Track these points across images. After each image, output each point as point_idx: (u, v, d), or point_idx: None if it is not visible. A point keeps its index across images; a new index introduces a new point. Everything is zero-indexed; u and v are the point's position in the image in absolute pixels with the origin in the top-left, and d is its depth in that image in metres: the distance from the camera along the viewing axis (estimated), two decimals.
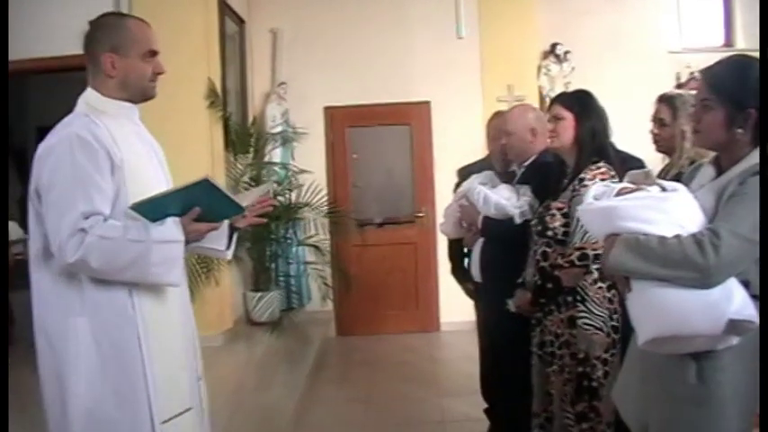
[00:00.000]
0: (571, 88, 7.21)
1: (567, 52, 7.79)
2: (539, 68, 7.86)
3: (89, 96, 2.54)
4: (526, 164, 4.04)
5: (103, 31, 2.51)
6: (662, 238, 2.11)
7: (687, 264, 2.05)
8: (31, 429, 4.15)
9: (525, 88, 7.60)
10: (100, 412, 2.37)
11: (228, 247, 2.76)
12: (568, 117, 3.41)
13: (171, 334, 2.54)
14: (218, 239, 2.69)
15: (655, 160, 3.86)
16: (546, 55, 7.89)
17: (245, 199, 2.62)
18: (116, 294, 2.39)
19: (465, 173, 4.58)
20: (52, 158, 2.36)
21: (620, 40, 7.82)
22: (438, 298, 7.95)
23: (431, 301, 8.01)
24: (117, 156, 2.40)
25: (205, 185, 2.32)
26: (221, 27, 6.82)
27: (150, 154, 2.62)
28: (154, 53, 2.54)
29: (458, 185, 4.55)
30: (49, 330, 2.42)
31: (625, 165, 3.19)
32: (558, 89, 7.48)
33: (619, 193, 2.27)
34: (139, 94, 2.55)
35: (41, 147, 2.42)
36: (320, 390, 6.02)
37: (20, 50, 6.44)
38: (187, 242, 2.40)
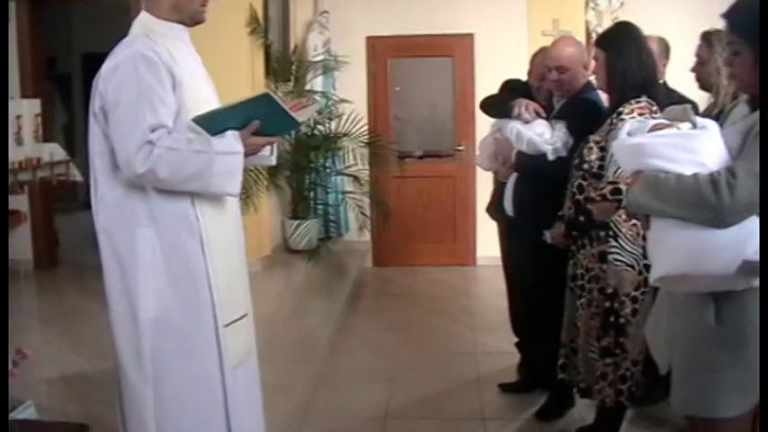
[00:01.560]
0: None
1: None
2: (586, 3, 7.66)
3: (143, 19, 2.61)
4: (565, 99, 3.99)
5: None
6: (679, 177, 2.07)
7: (701, 203, 2.02)
8: (78, 345, 4.30)
9: (572, 23, 7.43)
10: (168, 319, 2.52)
11: (272, 152, 2.86)
12: (601, 56, 3.37)
13: (229, 244, 2.68)
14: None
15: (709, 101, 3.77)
16: None
17: (300, 116, 2.67)
18: (180, 205, 2.51)
19: (509, 87, 4.59)
20: (117, 76, 2.44)
21: None
22: (475, 232, 7.96)
23: (468, 235, 8.03)
24: (177, 73, 2.50)
25: (265, 100, 2.44)
26: None
27: (203, 76, 2.72)
28: None
29: (498, 95, 4.52)
30: (116, 242, 2.54)
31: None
32: (606, 24, 7.30)
33: (652, 130, 2.23)
34: (190, 16, 2.62)
35: (104, 67, 2.49)
36: (355, 319, 6.11)
37: None
38: (246, 155, 2.49)
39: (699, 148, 2.10)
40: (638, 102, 3.26)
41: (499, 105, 4.27)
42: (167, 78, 2.46)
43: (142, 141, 2.36)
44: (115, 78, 2.44)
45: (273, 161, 2.90)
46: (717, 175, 2.02)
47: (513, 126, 3.97)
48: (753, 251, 2.01)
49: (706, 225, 2.04)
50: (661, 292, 2.45)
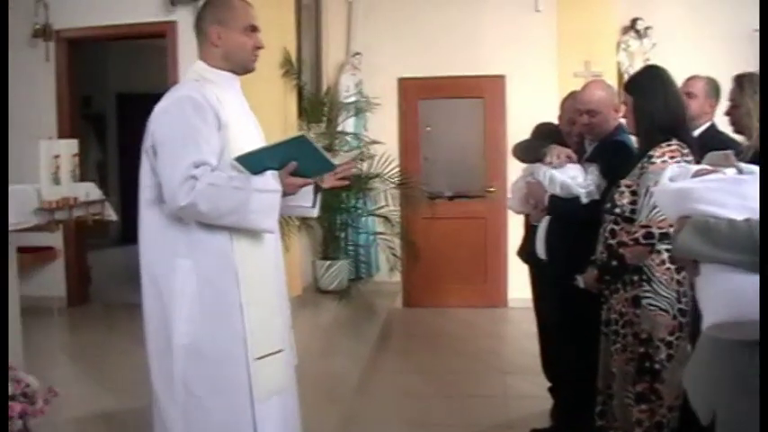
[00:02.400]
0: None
1: (647, 28, 7.56)
2: (618, 44, 7.67)
3: (198, 66, 2.80)
4: (597, 143, 3.98)
5: (212, 6, 2.79)
6: (731, 222, 2.03)
7: (755, 248, 1.98)
8: (106, 382, 4.32)
9: (603, 64, 7.44)
10: (200, 347, 2.63)
11: (314, 204, 2.98)
12: (629, 100, 3.38)
13: (265, 280, 2.78)
14: (304, 197, 2.90)
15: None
16: (626, 30, 7.68)
17: (335, 161, 2.80)
18: (218, 238, 2.63)
19: (541, 131, 4.60)
20: (166, 117, 2.63)
21: (703, 16, 7.55)
22: (506, 273, 7.90)
23: (499, 276, 7.97)
24: (223, 116, 2.65)
25: (301, 141, 2.58)
26: None
27: (249, 120, 2.88)
28: (254, 29, 2.79)
29: (530, 140, 4.53)
30: (155, 271, 2.68)
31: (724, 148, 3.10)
32: (638, 66, 7.29)
33: (695, 175, 2.20)
34: (240, 65, 2.80)
35: (157, 108, 2.67)
36: (384, 360, 6.07)
37: (99, 17, 6.59)
38: (283, 194, 2.61)
39: (749, 193, 2.07)
40: (668, 145, 3.24)
41: (531, 150, 4.27)
42: (213, 120, 2.61)
43: (186, 176, 2.49)
44: (164, 119, 2.62)
45: (315, 213, 3.03)
46: None
47: (546, 170, 3.96)
48: None
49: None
50: (702, 338, 2.40)
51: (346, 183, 3.03)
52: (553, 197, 3.94)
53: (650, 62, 7.21)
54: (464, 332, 7.06)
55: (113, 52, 10.42)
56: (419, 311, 7.90)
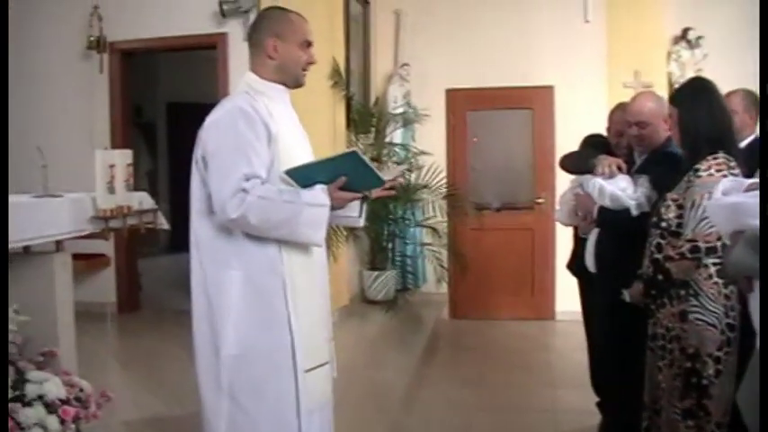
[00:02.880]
0: (703, 76, 6.99)
1: (699, 38, 7.46)
2: (668, 54, 7.57)
3: (249, 78, 2.82)
4: (646, 154, 3.93)
5: (270, 19, 2.83)
6: None
7: None
8: (157, 389, 4.37)
9: (653, 74, 7.35)
10: (248, 358, 2.65)
11: (361, 214, 2.98)
12: (674, 113, 3.34)
13: (312, 293, 2.81)
14: (352, 208, 2.90)
15: None
16: (677, 40, 7.58)
17: (385, 174, 2.81)
18: (268, 250, 2.66)
19: (590, 142, 4.56)
20: (217, 129, 2.65)
21: (756, 26, 7.42)
22: (554, 286, 7.84)
23: (546, 288, 7.91)
24: (273, 128, 2.66)
25: (353, 157, 2.59)
26: (346, 8, 6.90)
27: (299, 132, 2.90)
28: (309, 44, 2.82)
29: (577, 151, 4.50)
30: (206, 281, 2.71)
31: None
32: (689, 76, 7.20)
33: (748, 189, 2.16)
34: (293, 78, 2.82)
35: (208, 120, 2.70)
36: (431, 372, 6.04)
37: (151, 29, 6.71)
38: (333, 208, 2.64)
39: None
40: (715, 158, 3.19)
41: (579, 162, 4.23)
42: (263, 132, 2.63)
43: (237, 189, 2.52)
44: (216, 130, 2.65)
45: (361, 223, 3.03)
46: None
47: (596, 181, 3.90)
48: None
49: None
50: (755, 355, 2.36)
51: (393, 193, 3.04)
52: (602, 209, 3.89)
53: (701, 72, 7.15)
54: (512, 344, 7.01)
55: (164, 62, 10.57)
56: (466, 323, 7.86)
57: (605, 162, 3.94)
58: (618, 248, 3.83)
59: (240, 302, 2.64)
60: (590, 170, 3.98)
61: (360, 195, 2.74)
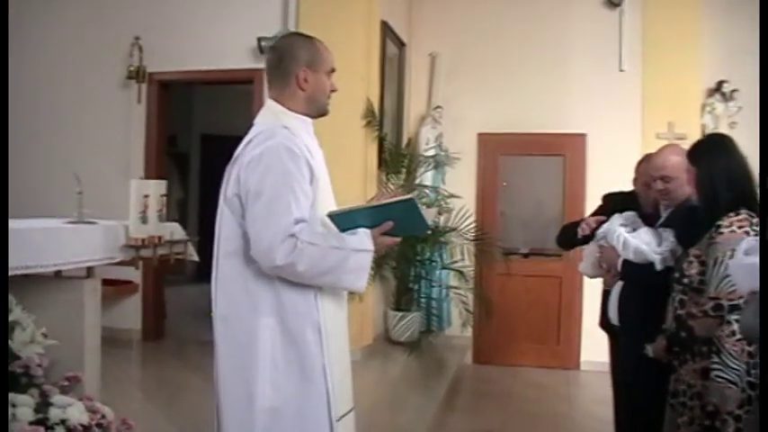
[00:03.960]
0: (737, 129, 6.98)
1: (734, 91, 7.43)
2: (703, 106, 7.55)
3: (275, 108, 2.70)
4: (671, 207, 3.91)
5: (298, 48, 2.70)
6: None
7: None
8: (178, 419, 4.37)
9: (687, 126, 7.31)
10: (285, 411, 2.54)
11: None
12: (691, 169, 3.33)
13: (344, 338, 2.73)
14: None
15: None
16: (711, 93, 7.55)
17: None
18: (305, 297, 2.56)
19: (610, 200, 4.58)
20: (261, 166, 2.49)
21: None
22: (580, 335, 7.76)
23: (572, 337, 7.83)
24: (315, 167, 2.57)
25: (410, 205, 2.51)
26: (382, 49, 6.97)
27: (325, 167, 2.77)
28: (333, 71, 2.76)
29: (599, 209, 4.49)
30: (236, 329, 2.59)
31: None
32: (723, 129, 7.18)
33: None
34: (320, 108, 2.74)
35: (248, 155, 2.54)
36: (451, 417, 5.99)
37: (190, 61, 6.84)
38: (375, 253, 2.55)
39: None
40: (737, 214, 3.16)
41: (566, 234, 4.42)
42: (307, 171, 2.52)
43: (286, 234, 2.41)
44: (260, 167, 2.49)
45: None
46: None
47: (620, 234, 3.88)
48: None
49: None
50: None
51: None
52: (626, 262, 3.86)
53: (736, 125, 7.13)
54: (534, 393, 6.93)
55: (200, 94, 10.75)
56: (489, 369, 7.79)
57: (583, 224, 4.08)
58: (641, 302, 3.78)
59: (276, 352, 2.53)
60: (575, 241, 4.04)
61: (399, 240, 2.67)
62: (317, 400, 2.56)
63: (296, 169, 2.49)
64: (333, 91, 2.75)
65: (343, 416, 2.65)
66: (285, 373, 2.53)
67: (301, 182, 2.49)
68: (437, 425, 5.55)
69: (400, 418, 5.19)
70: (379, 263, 6.83)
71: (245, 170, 2.52)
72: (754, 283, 2.14)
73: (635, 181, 4.49)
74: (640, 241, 3.79)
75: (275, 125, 2.62)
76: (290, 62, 2.66)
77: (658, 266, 3.69)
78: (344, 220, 2.54)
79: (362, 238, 2.52)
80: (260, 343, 2.53)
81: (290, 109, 2.67)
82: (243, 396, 2.55)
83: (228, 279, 2.61)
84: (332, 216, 2.54)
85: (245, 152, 2.57)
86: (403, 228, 2.58)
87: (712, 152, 3.32)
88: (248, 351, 2.54)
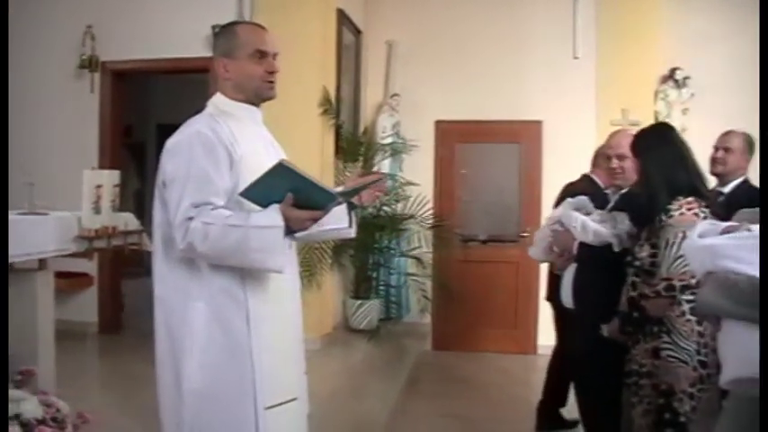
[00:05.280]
0: (689, 115, 7.09)
1: (686, 78, 7.55)
2: (656, 93, 7.66)
3: (216, 99, 2.71)
4: (623, 190, 4.02)
5: (218, 38, 2.74)
6: (751, 278, 2.05)
7: None
8: (137, 412, 4.32)
9: (640, 113, 7.40)
10: (210, 393, 2.52)
11: (351, 225, 2.88)
12: (634, 158, 3.45)
13: (280, 326, 2.66)
14: (340, 219, 2.82)
15: None
16: (664, 80, 7.66)
17: (350, 182, 2.68)
18: (229, 281, 2.53)
19: (570, 190, 4.62)
20: (174, 154, 2.54)
21: (743, 67, 7.51)
22: (537, 320, 7.83)
23: (529, 322, 7.91)
24: (236, 152, 2.53)
25: (283, 169, 2.34)
26: (339, 37, 6.95)
27: (270, 153, 2.70)
28: (263, 53, 2.64)
29: (559, 201, 4.53)
30: (168, 312, 2.60)
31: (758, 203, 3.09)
32: (676, 115, 7.30)
33: (723, 232, 2.21)
34: (254, 94, 2.67)
35: (168, 143, 2.59)
36: (413, 403, 6.02)
37: (144, 51, 6.74)
38: (293, 230, 2.45)
39: None
40: (687, 200, 3.24)
41: None
42: (224, 157, 2.51)
43: (183, 218, 2.42)
44: (172, 156, 2.54)
45: (353, 233, 2.93)
46: None
47: (578, 217, 3.94)
48: None
49: None
50: (730, 395, 2.38)
51: (378, 196, 2.96)
52: (582, 245, 3.93)
53: (688, 112, 7.24)
54: (494, 378, 7.00)
55: (156, 83, 10.63)
56: (449, 354, 7.84)
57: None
58: (598, 284, 3.84)
59: (203, 335, 2.52)
60: None
61: (318, 214, 2.45)
62: (243, 386, 2.54)
63: (205, 156, 2.48)
64: (272, 72, 2.66)
65: (277, 405, 2.60)
66: (212, 357, 2.52)
67: (208, 168, 2.47)
68: (398, 411, 5.58)
69: (362, 405, 5.21)
70: (337, 251, 6.84)
71: (164, 158, 2.58)
72: (709, 264, 2.19)
73: (594, 164, 4.55)
74: (598, 224, 3.86)
75: (203, 113, 2.67)
76: (213, 53, 2.70)
77: (616, 248, 3.74)
78: (261, 199, 2.43)
79: (269, 215, 2.40)
80: (188, 326, 2.53)
81: (230, 98, 2.67)
82: (172, 378, 2.57)
83: (162, 264, 2.62)
84: (245, 196, 2.44)
85: (168, 141, 2.61)
86: (312, 198, 2.41)
87: (655, 143, 3.41)
88: (177, 333, 2.55)
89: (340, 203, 2.58)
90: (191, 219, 2.41)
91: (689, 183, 3.31)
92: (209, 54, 2.84)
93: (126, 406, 4.51)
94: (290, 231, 2.44)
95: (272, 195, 2.41)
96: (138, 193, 10.79)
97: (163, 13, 6.79)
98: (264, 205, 2.43)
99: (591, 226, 3.87)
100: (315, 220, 2.47)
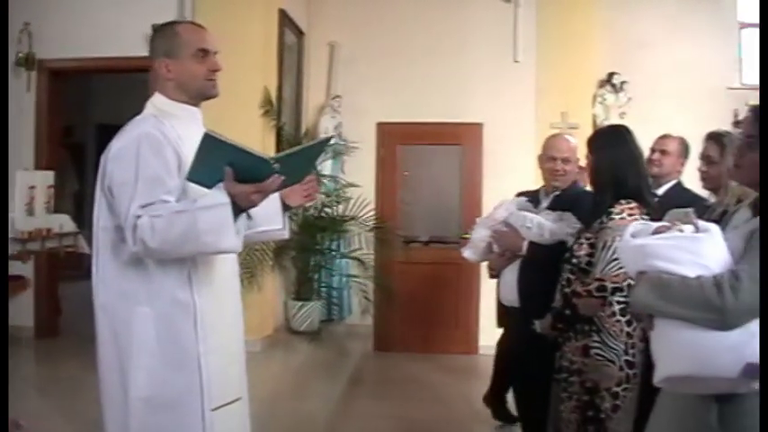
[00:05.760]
0: (626, 119, 7.24)
1: (623, 82, 7.72)
2: (594, 97, 7.81)
3: (156, 100, 2.67)
4: (557, 192, 4.15)
5: (156, 39, 2.68)
6: (684, 279, 2.11)
7: (705, 305, 2.04)
8: (75, 419, 4.25)
9: (579, 116, 7.56)
10: (158, 400, 2.50)
11: (284, 226, 2.87)
12: (589, 159, 3.50)
13: (225, 327, 2.66)
14: (273, 220, 2.80)
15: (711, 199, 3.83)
16: (602, 84, 7.83)
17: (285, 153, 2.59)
18: (178, 284, 2.51)
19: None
20: (122, 157, 2.49)
21: (678, 73, 7.73)
22: (478, 321, 7.91)
23: (471, 323, 7.98)
24: (183, 153, 2.50)
25: (210, 141, 2.30)
26: (280, 38, 6.92)
27: None
28: (205, 52, 2.62)
29: None
30: (113, 319, 2.54)
31: (690, 206, 3.17)
32: (613, 119, 7.44)
33: (655, 232, 2.28)
34: (197, 93, 2.65)
35: (114, 146, 2.54)
36: (354, 404, 6.03)
37: (83, 50, 6.62)
38: (242, 208, 2.40)
39: (702, 251, 2.14)
40: (628, 202, 3.32)
41: None
42: (172, 157, 2.49)
43: (133, 219, 2.37)
44: (121, 159, 2.49)
45: (286, 234, 2.92)
46: (720, 277, 2.05)
47: (533, 217, 4.03)
48: (754, 353, 2.01)
49: (709, 327, 2.05)
50: (662, 393, 2.44)
51: (311, 199, 2.91)
52: (533, 244, 4.00)
53: (625, 116, 7.40)
54: (435, 378, 7.04)
55: (95, 82, 10.44)
56: (391, 355, 7.86)
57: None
58: (543, 283, 3.91)
59: (150, 341, 2.48)
60: None
61: (264, 186, 2.36)
62: (191, 390, 2.52)
63: (154, 157, 2.45)
64: (214, 71, 2.64)
65: (223, 406, 2.60)
66: (159, 363, 2.49)
67: (158, 170, 2.44)
68: (340, 412, 5.59)
69: (303, 407, 5.20)
70: (278, 252, 6.81)
71: (110, 161, 2.52)
72: (640, 264, 2.25)
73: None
74: (551, 223, 3.96)
75: (147, 114, 2.63)
76: (153, 53, 2.66)
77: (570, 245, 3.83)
78: (205, 179, 2.39)
79: (213, 194, 2.36)
80: (135, 332, 2.49)
81: (169, 98, 2.64)
82: (118, 385, 2.53)
83: (107, 269, 2.57)
84: (192, 180, 2.41)
85: (113, 143, 2.56)
86: (246, 170, 2.34)
87: (612, 144, 3.47)
88: (124, 340, 2.51)
89: (278, 172, 2.45)
90: (139, 217, 2.37)
91: (636, 186, 3.38)
92: (148, 54, 2.80)
93: (63, 412, 4.43)
94: (241, 210, 2.40)
95: (215, 174, 2.36)
96: (78, 194, 10.57)
97: (103, 12, 6.67)
98: (212, 187, 2.39)
99: (547, 225, 3.97)
100: (261, 193, 2.39)
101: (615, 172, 3.38)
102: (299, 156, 2.60)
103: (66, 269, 7.55)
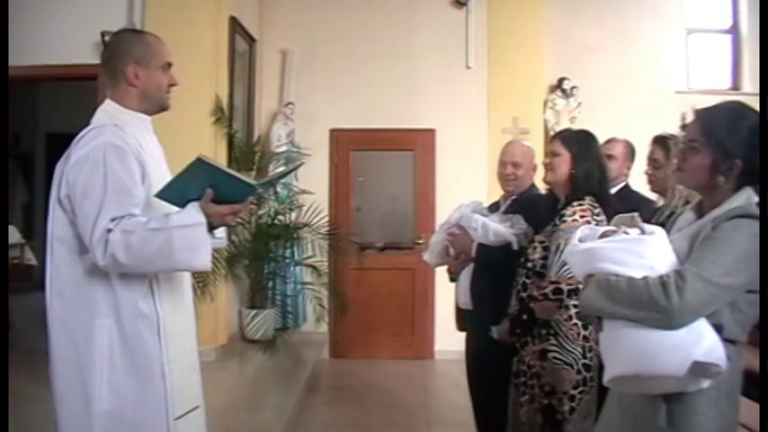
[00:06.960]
0: (577, 124, 7.33)
1: (573, 87, 7.82)
2: (545, 102, 7.89)
3: (109, 107, 2.64)
4: (514, 196, 4.19)
5: (126, 44, 2.64)
6: (630, 280, 2.15)
7: (651, 305, 2.08)
8: None
9: (531, 121, 7.63)
10: (122, 413, 2.47)
11: (222, 233, 2.83)
12: (565, 155, 3.48)
13: (185, 336, 2.68)
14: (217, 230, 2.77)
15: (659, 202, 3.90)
16: (553, 89, 7.92)
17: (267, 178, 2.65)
18: (141, 297, 2.50)
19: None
20: (86, 167, 2.44)
21: (627, 77, 7.86)
22: (433, 326, 7.94)
23: (426, 328, 8.00)
24: (145, 163, 2.51)
25: (201, 166, 2.35)
26: (231, 45, 6.87)
27: (164, 164, 2.73)
28: (170, 65, 2.68)
29: None
30: (73, 332, 2.49)
31: (638, 208, 3.21)
32: (564, 124, 7.52)
33: (602, 236, 2.32)
34: (157, 104, 2.67)
35: (75, 154, 2.49)
36: (311, 412, 6.00)
37: (31, 57, 6.50)
38: (213, 226, 2.45)
39: (648, 253, 2.19)
40: (580, 204, 3.36)
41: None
42: (137, 168, 2.47)
43: (103, 231, 2.35)
44: (85, 168, 2.44)
45: (224, 243, 2.91)
46: (666, 278, 2.10)
47: (479, 218, 4.06)
48: (702, 352, 2.05)
49: (656, 326, 2.09)
50: (611, 393, 2.48)
51: (252, 209, 2.91)
52: (481, 246, 4.02)
53: (575, 121, 7.49)
54: (391, 384, 7.04)
55: (44, 90, 10.26)
56: (346, 362, 7.85)
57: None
58: (496, 285, 3.93)
59: (113, 353, 2.45)
60: None
61: (239, 207, 2.48)
62: (155, 402, 2.51)
63: (121, 167, 2.44)
64: (172, 85, 2.68)
65: (185, 414, 2.60)
66: (122, 375, 2.47)
67: (125, 180, 2.44)
68: (295, 422, 5.55)
69: (258, 417, 5.15)
70: (231, 261, 6.75)
71: (72, 171, 2.47)
72: (587, 267, 2.28)
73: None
74: (498, 225, 3.98)
75: (106, 123, 2.57)
76: (118, 59, 2.62)
77: (515, 246, 3.86)
78: (177, 199, 2.42)
79: (189, 212, 2.40)
80: (96, 344, 2.45)
81: (126, 107, 2.62)
82: (80, 399, 2.48)
83: (64, 281, 2.51)
84: (162, 197, 2.42)
85: (73, 152, 2.51)
86: (228, 192, 2.42)
87: (589, 145, 3.52)
88: (85, 353, 2.47)
89: (259, 194, 2.54)
90: (110, 231, 2.35)
91: (604, 188, 3.45)
92: (98, 61, 2.76)
93: (13, 427, 4.33)
94: (210, 228, 2.44)
95: (189, 193, 2.40)
96: (27, 205, 10.38)
97: (50, 19, 6.55)
98: (181, 205, 2.42)
99: (491, 226, 4.00)
100: (235, 214, 2.49)
101: (590, 178, 3.41)
102: (278, 179, 2.63)
103: (14, 281, 7.40)
